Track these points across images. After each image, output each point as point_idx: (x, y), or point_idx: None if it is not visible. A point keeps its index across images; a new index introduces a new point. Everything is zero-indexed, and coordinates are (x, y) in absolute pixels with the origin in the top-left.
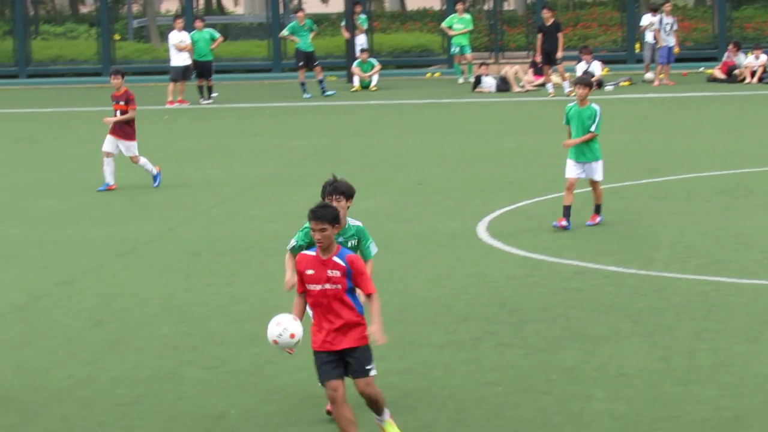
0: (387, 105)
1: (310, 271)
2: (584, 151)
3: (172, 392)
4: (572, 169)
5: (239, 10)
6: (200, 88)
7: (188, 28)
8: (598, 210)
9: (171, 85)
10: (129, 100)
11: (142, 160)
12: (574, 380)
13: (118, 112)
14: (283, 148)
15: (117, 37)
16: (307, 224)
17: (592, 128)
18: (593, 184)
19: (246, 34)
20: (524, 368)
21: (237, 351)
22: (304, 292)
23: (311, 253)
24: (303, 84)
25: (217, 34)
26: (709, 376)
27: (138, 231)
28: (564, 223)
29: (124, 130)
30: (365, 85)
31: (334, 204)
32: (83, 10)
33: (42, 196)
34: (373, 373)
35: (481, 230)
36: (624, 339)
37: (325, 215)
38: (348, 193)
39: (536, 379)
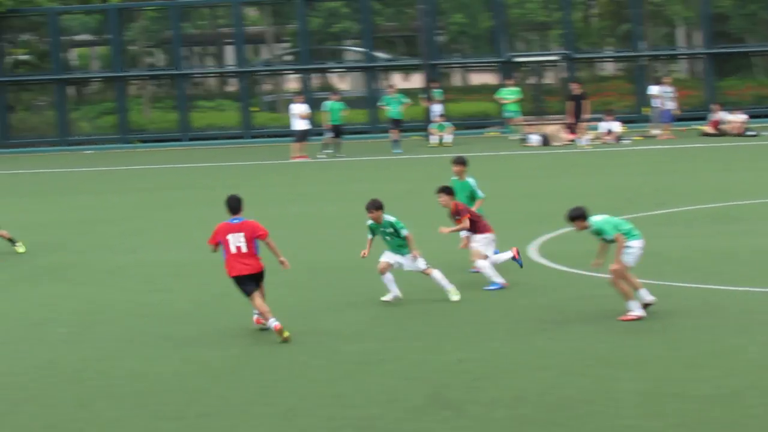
0: None
1: None
2: None
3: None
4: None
5: (344, 86)
6: (330, 145)
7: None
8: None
9: (295, 145)
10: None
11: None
12: (606, 365)
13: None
14: (384, 191)
15: (254, 108)
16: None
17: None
18: None
19: (352, 105)
20: (568, 356)
21: None
22: None
23: None
24: (395, 141)
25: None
26: (709, 361)
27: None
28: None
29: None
30: (440, 143)
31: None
32: (229, 89)
33: (201, 228)
34: None
35: (532, 251)
36: (643, 333)
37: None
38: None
39: (576, 364)
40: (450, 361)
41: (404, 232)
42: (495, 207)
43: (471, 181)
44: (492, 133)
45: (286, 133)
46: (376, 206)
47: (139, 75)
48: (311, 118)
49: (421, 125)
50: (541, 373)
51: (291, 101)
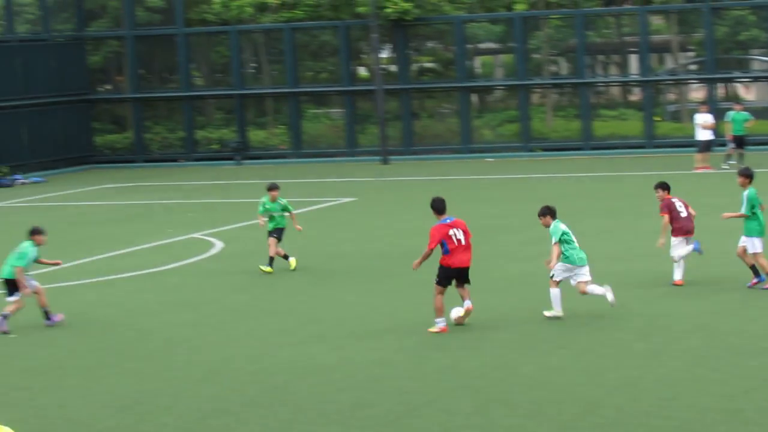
0: None
1: None
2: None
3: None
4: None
5: (750, 96)
6: (732, 156)
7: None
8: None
9: (698, 155)
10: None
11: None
12: None
13: None
14: None
15: (657, 118)
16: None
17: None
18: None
19: (757, 115)
20: None
21: None
22: None
23: None
24: None
25: (750, 116)
26: None
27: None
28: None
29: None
30: None
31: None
32: (632, 98)
33: (602, 238)
34: None
35: None
36: None
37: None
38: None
39: None
40: None
41: (553, 241)
42: None
43: (746, 193)
44: None
45: (689, 143)
46: (540, 212)
47: (542, 83)
48: (715, 129)
49: None
50: None
51: (695, 111)
